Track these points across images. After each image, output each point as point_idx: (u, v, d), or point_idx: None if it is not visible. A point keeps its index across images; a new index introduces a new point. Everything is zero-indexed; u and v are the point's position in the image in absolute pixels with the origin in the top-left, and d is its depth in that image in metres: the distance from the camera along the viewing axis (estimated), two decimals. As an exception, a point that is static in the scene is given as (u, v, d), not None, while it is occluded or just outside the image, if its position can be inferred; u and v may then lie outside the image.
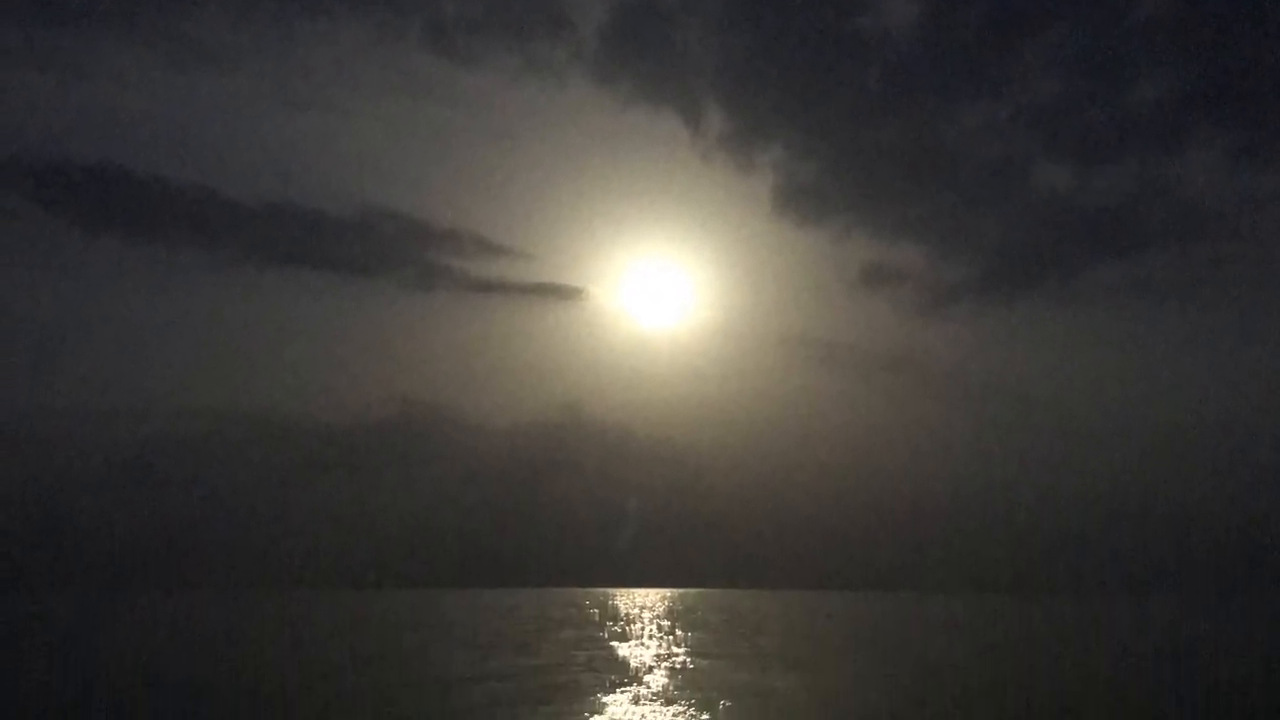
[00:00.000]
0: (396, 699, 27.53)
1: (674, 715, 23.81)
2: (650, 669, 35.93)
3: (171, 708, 25.79)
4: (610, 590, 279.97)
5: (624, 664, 38.08)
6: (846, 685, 32.00)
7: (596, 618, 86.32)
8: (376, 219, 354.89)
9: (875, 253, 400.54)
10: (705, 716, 23.62)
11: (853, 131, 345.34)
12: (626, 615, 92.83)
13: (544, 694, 28.12)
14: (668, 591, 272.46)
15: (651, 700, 26.78)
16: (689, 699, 27.00)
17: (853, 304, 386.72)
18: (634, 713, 24.26)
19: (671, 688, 29.95)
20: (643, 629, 66.21)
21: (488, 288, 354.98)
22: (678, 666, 37.25)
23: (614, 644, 50.01)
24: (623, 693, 28.47)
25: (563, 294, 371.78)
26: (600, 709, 24.96)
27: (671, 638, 55.78)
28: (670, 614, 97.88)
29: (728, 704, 26.05)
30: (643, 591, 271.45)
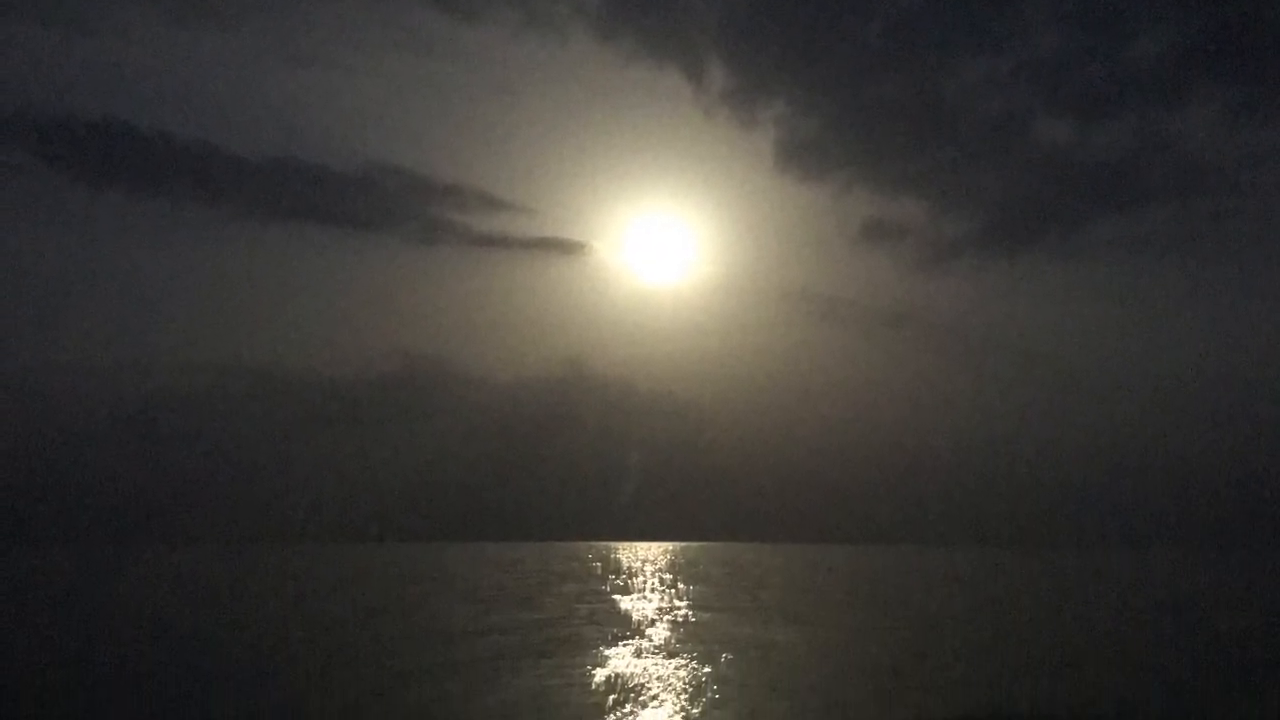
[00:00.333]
0: (399, 651, 27.56)
1: (676, 668, 23.81)
2: (652, 622, 36.02)
3: (175, 660, 25.82)
4: (612, 544, 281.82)
5: (626, 617, 38.18)
6: (847, 638, 32.05)
7: (599, 571, 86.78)
8: (379, 174, 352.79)
9: (876, 208, 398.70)
10: (707, 669, 23.62)
11: (854, 87, 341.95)
12: (628, 569, 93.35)
13: (546, 647, 28.16)
14: (669, 545, 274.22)
15: (653, 653, 26.80)
16: (691, 652, 27.02)
17: (854, 259, 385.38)
18: (636, 665, 24.26)
19: (673, 641, 29.99)
20: (644, 582, 66.52)
21: (490, 242, 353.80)
22: (679, 620, 37.35)
23: (616, 597, 50.20)
24: (625, 646, 28.50)
25: (565, 249, 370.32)
26: (602, 662, 24.97)
27: (673, 591, 56.00)
28: (672, 568, 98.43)
29: (729, 657, 26.06)
30: (644, 545, 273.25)
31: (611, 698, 19.58)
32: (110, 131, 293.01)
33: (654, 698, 19.63)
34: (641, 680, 21.89)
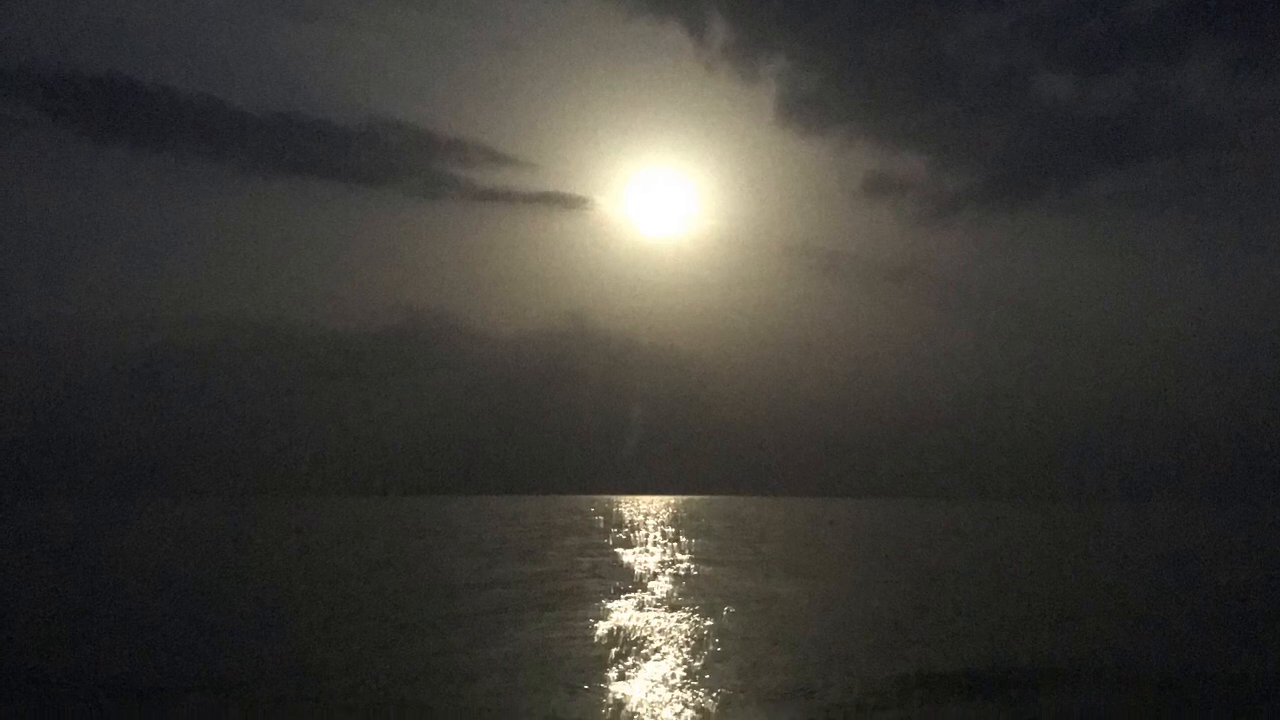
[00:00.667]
0: (402, 604, 27.68)
1: (678, 621, 23.90)
2: (654, 576, 36.18)
3: (179, 613, 25.94)
4: (614, 497, 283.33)
5: (628, 570, 38.35)
6: (848, 592, 32.18)
7: (601, 525, 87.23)
8: (382, 129, 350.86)
9: (878, 162, 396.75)
10: (709, 622, 23.71)
11: (855, 41, 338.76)
12: (630, 522, 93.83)
13: (548, 600, 28.27)
14: (671, 499, 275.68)
15: (655, 606, 26.90)
16: (693, 605, 27.12)
17: (855, 213, 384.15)
18: (638, 619, 24.35)
19: (675, 594, 30.11)
20: (647, 536, 66.85)
21: (493, 197, 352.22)
22: (681, 573, 37.51)
23: (618, 551, 50.44)
24: (627, 599, 28.61)
25: (568, 203, 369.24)
26: (605, 615, 25.06)
27: (675, 545, 56.27)
28: (674, 521, 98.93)
29: (731, 610, 26.16)
30: (647, 498, 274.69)
31: (614, 650, 19.65)
32: (114, 86, 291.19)
33: (656, 651, 19.70)
34: (644, 633, 21.97)
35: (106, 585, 33.99)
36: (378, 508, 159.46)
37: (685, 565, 41.12)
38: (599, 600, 28.25)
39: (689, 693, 15.71)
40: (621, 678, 16.93)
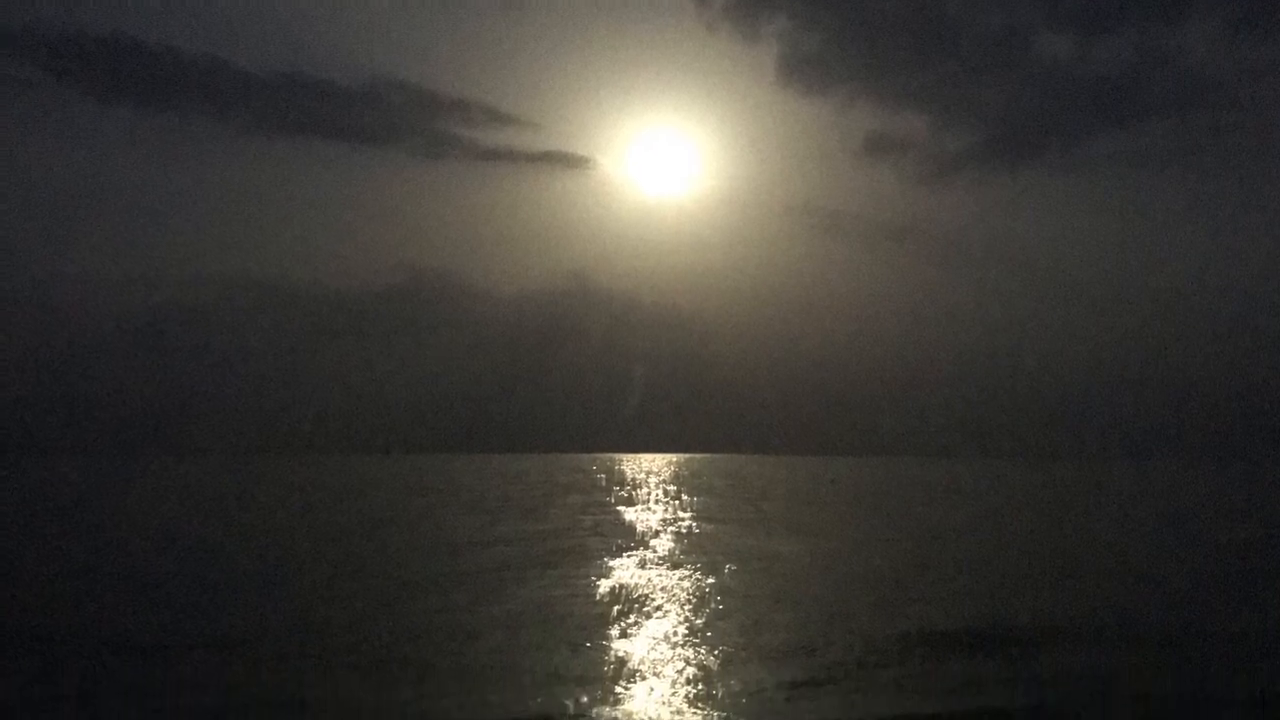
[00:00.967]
0: (405, 562, 27.78)
1: (680, 579, 23.96)
2: (656, 533, 36.29)
3: (182, 570, 26.04)
4: (616, 455, 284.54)
5: (630, 528, 38.48)
6: (850, 549, 32.27)
7: (603, 483, 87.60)
8: (385, 88, 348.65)
9: (879, 122, 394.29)
10: (711, 580, 23.77)
11: (857, 1, 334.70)
12: (633, 480, 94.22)
13: (551, 558, 28.36)
14: (673, 457, 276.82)
15: (657, 564, 26.98)
16: (694, 563, 27.20)
17: (856, 173, 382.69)
18: (640, 576, 24.42)
19: (677, 552, 30.20)
20: (649, 494, 67.11)
21: (495, 156, 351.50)
22: (683, 531, 37.63)
23: (620, 509, 50.62)
24: (629, 557, 28.70)
25: (570, 163, 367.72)
26: (607, 573, 25.14)
27: (677, 503, 56.49)
28: (676, 479, 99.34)
29: (733, 568, 26.23)
30: (649, 457, 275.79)
31: (616, 608, 19.70)
32: (118, 46, 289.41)
33: (658, 608, 19.75)
34: (646, 591, 22.03)
35: (110, 543, 34.13)
36: (380, 465, 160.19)
37: (687, 523, 41.26)
38: (601, 558, 28.34)
39: (691, 650, 15.75)
40: (624, 635, 16.97)
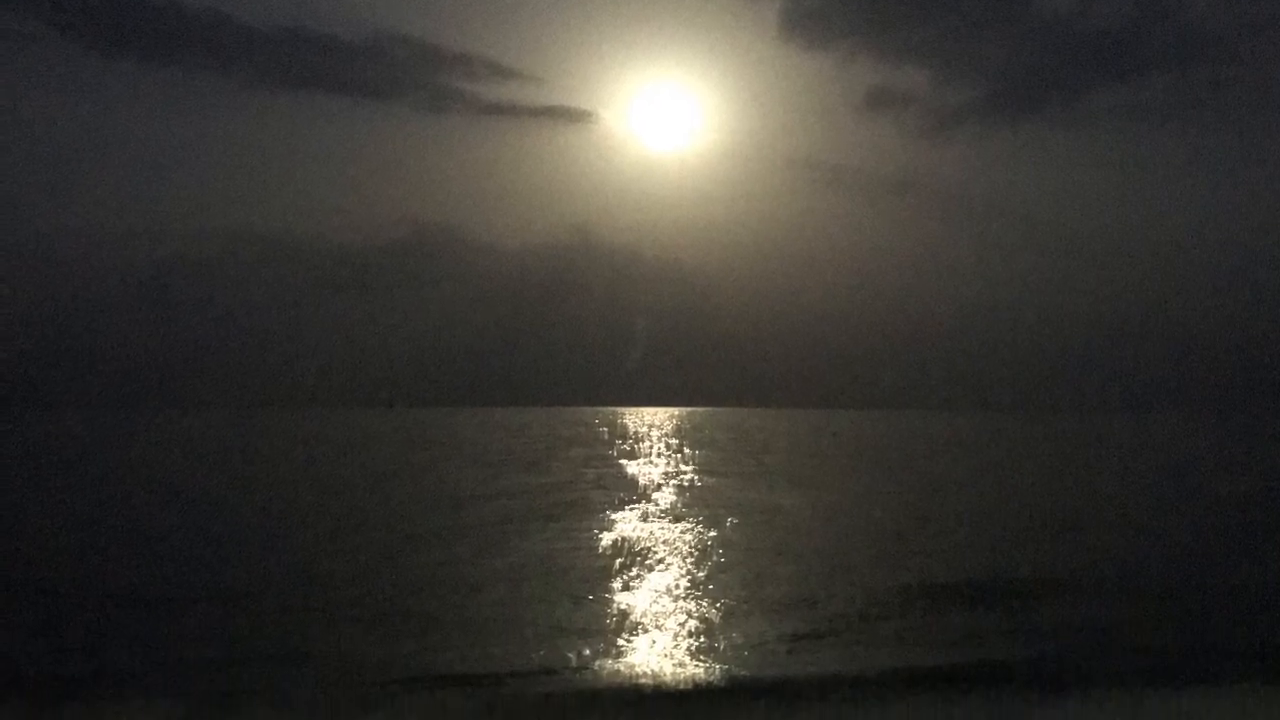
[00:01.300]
0: (408, 515, 27.90)
1: (682, 532, 24.05)
2: (659, 486, 36.41)
3: (186, 523, 26.17)
4: (619, 409, 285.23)
5: (633, 482, 38.60)
6: (851, 502, 32.38)
7: (605, 436, 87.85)
8: (388, 43, 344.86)
9: (880, 76, 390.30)
10: (713, 533, 23.86)
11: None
12: (635, 434, 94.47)
13: (554, 511, 28.45)
14: (676, 410, 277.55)
15: (660, 517, 27.07)
16: (697, 516, 27.29)
17: (858, 127, 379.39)
18: (643, 529, 24.51)
19: (680, 505, 30.30)
20: (651, 447, 67.30)
21: (498, 110, 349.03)
22: (686, 484, 37.74)
23: (623, 462, 50.77)
24: (631, 510, 28.79)
25: (572, 117, 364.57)
26: (609, 526, 25.23)
27: (679, 456, 56.64)
28: (678, 432, 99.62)
29: (735, 521, 26.33)
30: (651, 410, 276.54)
31: (618, 561, 19.78)
32: (121, 0, 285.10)
33: (660, 561, 19.82)
34: (648, 544, 22.11)
35: (114, 497, 34.29)
36: (383, 419, 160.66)
37: (689, 476, 41.38)
38: (604, 511, 28.43)
39: (693, 603, 15.81)
40: (626, 588, 17.04)
